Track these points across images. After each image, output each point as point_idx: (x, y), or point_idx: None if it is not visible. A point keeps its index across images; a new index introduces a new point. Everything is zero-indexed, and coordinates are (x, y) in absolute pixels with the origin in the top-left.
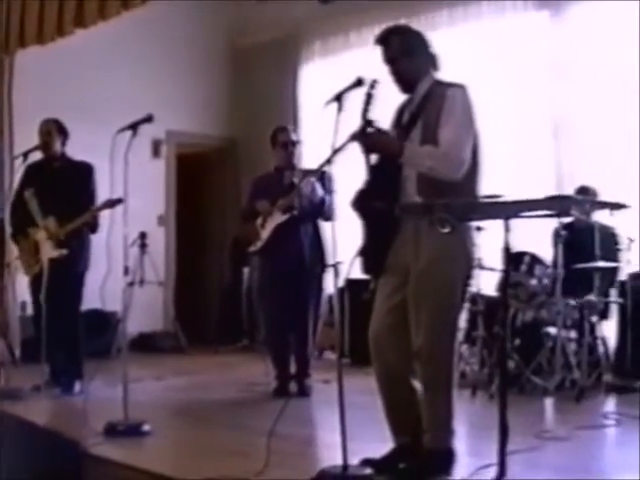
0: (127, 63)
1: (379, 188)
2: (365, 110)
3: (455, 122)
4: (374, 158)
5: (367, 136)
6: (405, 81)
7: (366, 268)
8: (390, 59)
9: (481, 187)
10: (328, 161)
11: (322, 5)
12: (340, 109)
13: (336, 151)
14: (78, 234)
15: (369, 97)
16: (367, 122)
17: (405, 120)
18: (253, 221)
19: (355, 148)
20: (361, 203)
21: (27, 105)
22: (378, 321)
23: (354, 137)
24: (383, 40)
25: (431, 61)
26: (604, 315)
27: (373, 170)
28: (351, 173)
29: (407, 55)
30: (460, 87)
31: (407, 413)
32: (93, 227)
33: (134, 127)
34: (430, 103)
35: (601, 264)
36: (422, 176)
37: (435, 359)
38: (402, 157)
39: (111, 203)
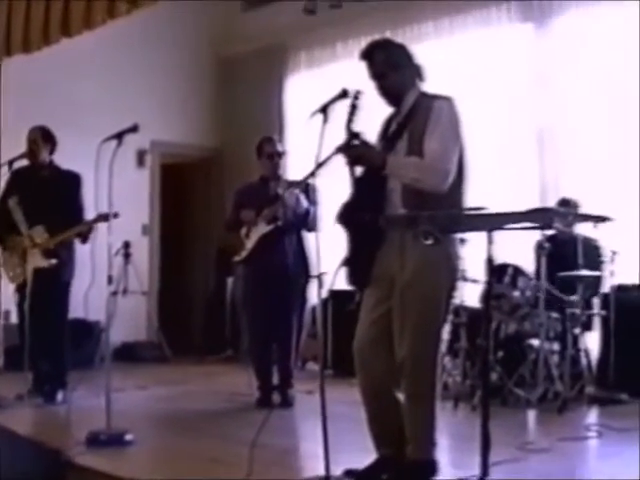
0: (112, 73)
1: (364, 200)
2: (349, 121)
3: (441, 134)
4: (359, 170)
5: (350, 148)
6: (392, 95)
7: (351, 280)
8: (376, 74)
9: (466, 199)
10: (313, 173)
11: (308, 16)
12: (325, 120)
13: (321, 164)
14: (67, 244)
15: (353, 108)
16: (351, 135)
17: (391, 131)
18: (237, 231)
19: (340, 160)
20: (346, 215)
21: (12, 113)
22: (362, 333)
23: (338, 149)
24: (367, 55)
25: (416, 73)
26: (587, 327)
27: (358, 182)
28: (335, 185)
29: (392, 69)
30: (446, 99)
31: (390, 424)
32: (85, 238)
33: (119, 137)
34: (416, 115)
35: (584, 272)
36: (407, 188)
37: (418, 370)
38: (386, 169)
39: (103, 217)
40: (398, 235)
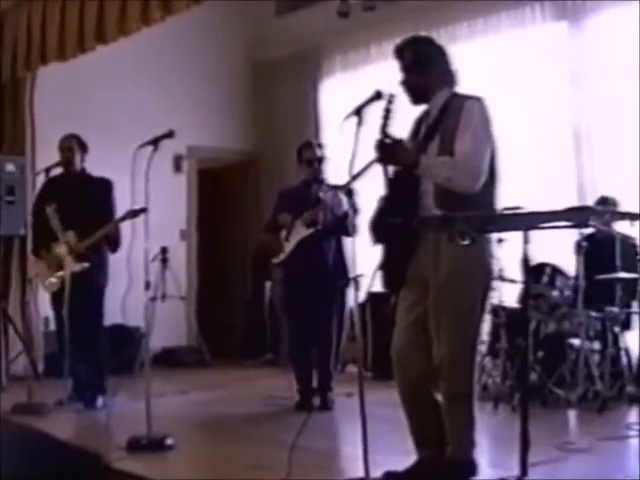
0: (148, 79)
1: (397, 203)
2: (384, 125)
3: (473, 133)
4: (391, 171)
5: (384, 146)
6: (413, 92)
7: (386, 283)
8: (401, 69)
9: (499, 199)
10: (355, 177)
11: (342, 19)
12: (360, 123)
13: (364, 169)
14: (97, 248)
15: (387, 112)
16: (384, 134)
17: (422, 133)
18: (277, 233)
19: (377, 167)
20: (379, 219)
21: (48, 121)
22: (399, 335)
23: (374, 149)
24: (398, 51)
25: (448, 75)
26: (627, 326)
27: (391, 184)
28: (373, 189)
29: (419, 67)
30: (478, 99)
31: (430, 426)
32: (115, 245)
33: (155, 142)
34: (447, 116)
35: (622, 275)
36: (440, 189)
37: (456, 372)
38: (419, 168)
39: (134, 213)
40: (432, 237)
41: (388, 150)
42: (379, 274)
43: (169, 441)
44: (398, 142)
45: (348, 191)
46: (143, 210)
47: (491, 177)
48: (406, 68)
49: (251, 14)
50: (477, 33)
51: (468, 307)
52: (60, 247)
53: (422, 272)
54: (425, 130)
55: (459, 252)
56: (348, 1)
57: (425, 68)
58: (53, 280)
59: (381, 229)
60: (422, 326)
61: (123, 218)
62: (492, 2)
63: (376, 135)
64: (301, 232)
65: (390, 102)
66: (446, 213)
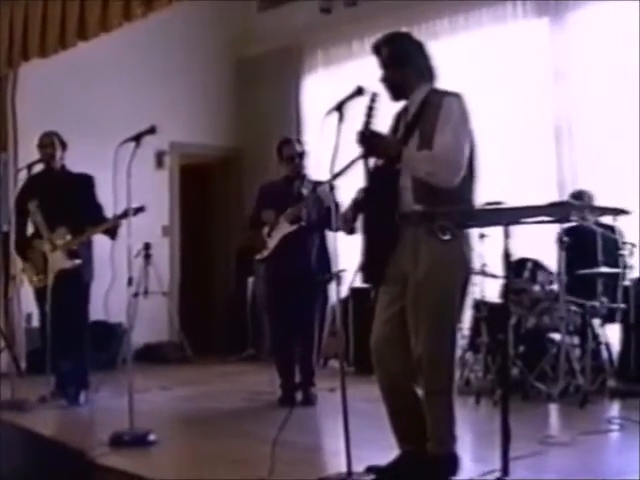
0: (130, 75)
1: (377, 197)
2: (367, 123)
3: (452, 129)
4: (371, 166)
5: (367, 138)
6: (392, 88)
7: (366, 277)
8: (381, 66)
9: (477, 195)
10: (341, 172)
11: (324, 15)
12: (341, 118)
13: (347, 166)
14: (86, 245)
15: (370, 110)
16: (366, 127)
17: (401, 129)
18: (259, 229)
19: (358, 163)
20: (361, 210)
21: (30, 118)
22: (377, 330)
23: (357, 142)
24: (376, 48)
25: (427, 70)
26: (608, 320)
27: (370, 178)
28: (354, 185)
29: (397, 63)
30: (456, 95)
31: (411, 420)
32: (113, 234)
33: (137, 139)
34: (426, 112)
35: (604, 269)
36: (418, 185)
37: (435, 367)
38: (401, 161)
39: (133, 211)
40: (411, 232)
41: (371, 142)
42: (359, 268)
43: (152, 437)
44: (381, 134)
45: (330, 186)
46: (141, 209)
47: (470, 173)
48: (385, 65)
49: (233, 10)
50: (458, 29)
51: (446, 303)
52: (45, 244)
53: (401, 268)
54: (404, 126)
55: (437, 248)
56: None
57: (403, 64)
58: (41, 275)
59: (364, 220)
60: (400, 321)
61: (122, 216)
62: None
63: (359, 127)
64: (285, 228)
65: (373, 100)
66: (426, 208)
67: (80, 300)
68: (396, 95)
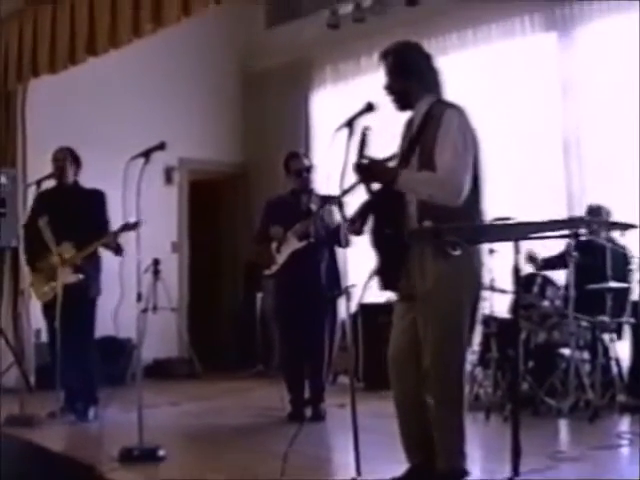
0: (138, 91)
1: (384, 213)
2: (360, 151)
3: (452, 145)
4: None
5: (362, 168)
6: (396, 97)
7: (384, 285)
8: (386, 74)
9: (484, 208)
10: (349, 190)
11: (332, 30)
12: (351, 134)
13: (354, 185)
14: (93, 259)
15: (363, 141)
16: (361, 157)
17: (405, 144)
18: (267, 244)
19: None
20: (363, 227)
21: (40, 134)
22: (394, 340)
23: (353, 172)
24: (384, 55)
25: (433, 81)
26: (617, 335)
27: (376, 196)
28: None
29: (402, 72)
30: (457, 109)
31: (422, 432)
32: (117, 250)
33: (147, 154)
34: (428, 126)
35: (613, 284)
36: (423, 200)
37: (442, 380)
38: (397, 184)
39: (129, 227)
40: (418, 248)
41: (365, 171)
42: (376, 279)
43: (161, 452)
44: (374, 161)
45: (339, 203)
46: (137, 224)
47: (475, 187)
48: (390, 72)
49: (242, 26)
50: (467, 44)
51: (454, 318)
52: (53, 259)
53: (411, 281)
54: (407, 141)
55: (444, 264)
56: (338, 13)
57: (408, 73)
58: (46, 289)
59: (374, 239)
60: (416, 332)
61: (118, 231)
62: (482, 13)
63: (354, 159)
64: (293, 244)
65: (364, 135)
66: (430, 223)
67: (86, 315)
68: (400, 105)
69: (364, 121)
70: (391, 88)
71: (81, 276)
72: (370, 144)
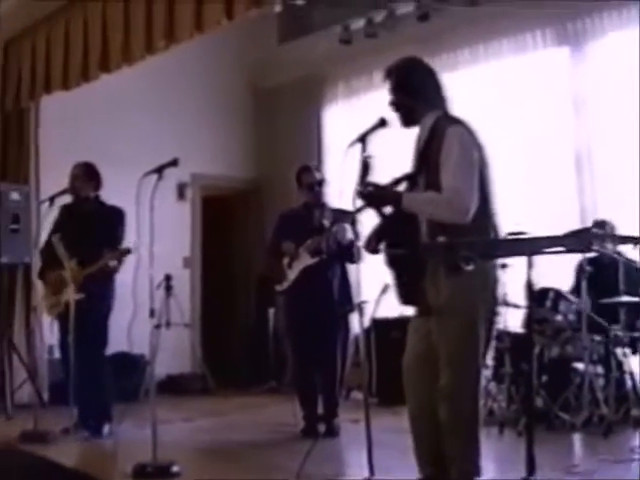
0: (151, 108)
1: (397, 230)
2: (362, 176)
3: (456, 164)
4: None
5: (364, 195)
6: (401, 114)
7: (404, 299)
8: (390, 91)
9: (496, 223)
10: (359, 210)
11: (344, 46)
12: (364, 150)
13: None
14: (102, 277)
15: (364, 170)
16: (363, 183)
17: (414, 164)
18: (279, 258)
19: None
20: (379, 246)
21: (53, 150)
22: (410, 349)
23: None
24: (388, 73)
25: (437, 97)
26: (631, 349)
27: (388, 218)
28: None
29: (406, 88)
30: (458, 125)
31: (436, 446)
32: (108, 274)
33: (159, 171)
34: (431, 145)
35: (626, 299)
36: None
37: (457, 396)
38: (402, 206)
39: (121, 253)
40: (433, 262)
41: (368, 198)
42: (395, 293)
43: (175, 468)
44: (376, 187)
45: (352, 220)
46: (128, 251)
47: (483, 201)
48: (393, 89)
49: (254, 42)
50: (479, 59)
51: (469, 334)
52: (63, 273)
53: (426, 296)
54: (415, 161)
55: (457, 279)
56: (350, 28)
57: (412, 90)
58: (51, 302)
59: (388, 256)
60: (431, 342)
61: (112, 257)
62: (493, 28)
63: (381, 161)
64: (305, 260)
65: (366, 162)
66: (441, 238)
67: (97, 332)
68: (405, 121)
69: (377, 137)
70: (396, 105)
71: (82, 295)
72: (373, 170)
